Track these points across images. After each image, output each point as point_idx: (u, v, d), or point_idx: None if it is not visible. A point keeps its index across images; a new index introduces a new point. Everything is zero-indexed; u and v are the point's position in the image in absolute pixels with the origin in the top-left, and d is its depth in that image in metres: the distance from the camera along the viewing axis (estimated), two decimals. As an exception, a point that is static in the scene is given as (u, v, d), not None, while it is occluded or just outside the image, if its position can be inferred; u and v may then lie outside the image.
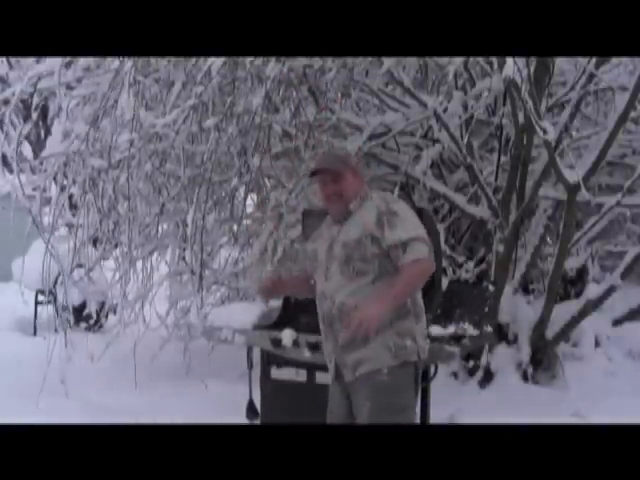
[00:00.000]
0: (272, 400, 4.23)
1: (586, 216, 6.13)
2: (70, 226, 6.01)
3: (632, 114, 5.30)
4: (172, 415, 4.70)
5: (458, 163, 5.97)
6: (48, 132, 11.84)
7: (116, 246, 5.92)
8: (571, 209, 5.30)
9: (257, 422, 4.34)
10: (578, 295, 6.29)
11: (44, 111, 11.70)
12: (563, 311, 5.90)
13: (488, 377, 5.75)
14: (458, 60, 4.93)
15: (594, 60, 5.22)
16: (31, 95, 5.48)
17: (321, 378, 3.89)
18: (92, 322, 8.01)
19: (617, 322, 6.47)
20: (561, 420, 4.48)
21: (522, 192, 5.63)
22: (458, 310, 4.16)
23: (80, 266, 6.02)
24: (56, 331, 5.62)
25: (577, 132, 6.26)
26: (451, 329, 4.00)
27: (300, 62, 4.86)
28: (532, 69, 4.52)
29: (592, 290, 5.96)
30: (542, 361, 5.88)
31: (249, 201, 5.94)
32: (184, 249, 5.63)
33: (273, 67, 4.49)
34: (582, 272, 6.66)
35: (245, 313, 4.36)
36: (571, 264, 6.35)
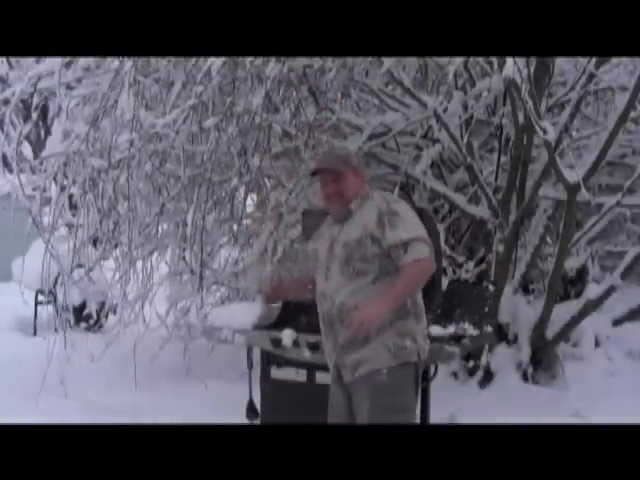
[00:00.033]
0: (272, 400, 4.23)
1: (586, 216, 6.13)
2: (70, 226, 6.00)
3: (632, 114, 5.29)
4: (172, 415, 4.69)
5: (458, 163, 5.97)
6: (48, 132, 11.83)
7: (116, 246, 5.91)
8: (571, 209, 5.30)
9: (257, 422, 4.33)
10: (578, 295, 6.28)
11: (44, 111, 11.69)
12: (563, 311, 5.90)
13: (488, 377, 5.75)
14: (458, 60, 4.92)
15: (594, 60, 5.22)
16: (31, 95, 5.47)
17: (321, 378, 3.89)
18: (92, 322, 8.00)
19: (617, 322, 6.46)
20: (561, 420, 4.47)
21: (522, 192, 5.63)
22: (458, 310, 4.15)
23: (80, 266, 6.02)
24: (56, 331, 5.60)
25: (577, 132, 6.25)
26: (451, 329, 3.99)
27: (300, 62, 4.85)
28: (532, 69, 4.51)
29: (592, 290, 5.95)
30: (542, 361, 5.88)
31: (249, 201, 5.93)
32: (184, 249, 5.63)
33: (273, 67, 4.48)
34: (582, 272, 6.66)
35: (245, 313, 4.35)
36: (571, 264, 6.35)
